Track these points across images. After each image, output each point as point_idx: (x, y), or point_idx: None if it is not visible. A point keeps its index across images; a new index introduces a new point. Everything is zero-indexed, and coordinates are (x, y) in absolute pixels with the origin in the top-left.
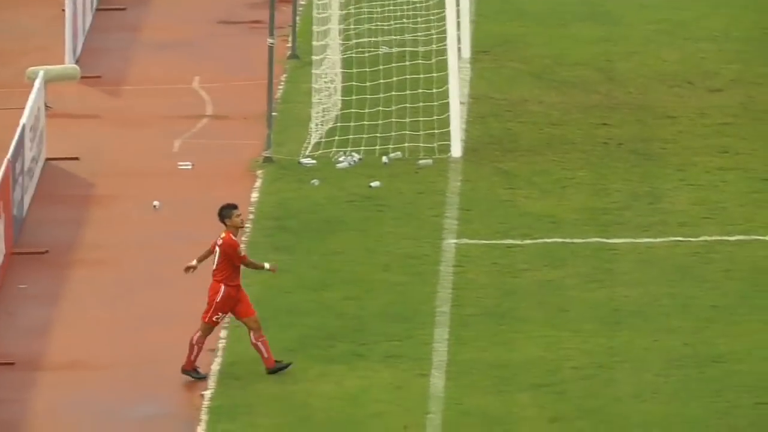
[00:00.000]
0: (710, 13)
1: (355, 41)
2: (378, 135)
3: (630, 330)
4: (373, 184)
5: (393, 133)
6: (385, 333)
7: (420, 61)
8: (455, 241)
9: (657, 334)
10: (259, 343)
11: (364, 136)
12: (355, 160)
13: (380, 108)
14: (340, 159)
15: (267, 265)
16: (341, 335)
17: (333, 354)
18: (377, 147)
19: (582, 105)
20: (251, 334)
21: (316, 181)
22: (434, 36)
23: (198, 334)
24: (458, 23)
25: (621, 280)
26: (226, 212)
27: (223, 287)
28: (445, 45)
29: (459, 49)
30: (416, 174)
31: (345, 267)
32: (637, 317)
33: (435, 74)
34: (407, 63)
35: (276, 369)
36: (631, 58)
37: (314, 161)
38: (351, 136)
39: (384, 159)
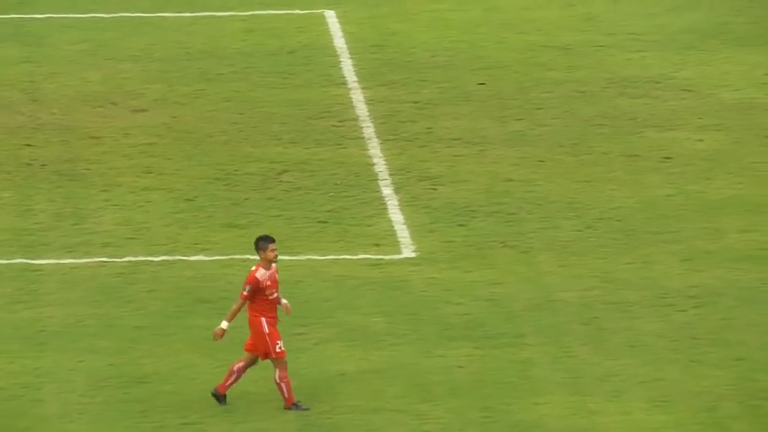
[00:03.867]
0: (132, 33)
1: None
2: None
3: (55, 351)
4: None
5: None
6: None
7: None
8: None
9: (82, 355)
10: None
11: None
12: None
13: None
14: None
15: (224, 324)
16: None
17: None
18: None
19: (6, 126)
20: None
21: None
22: None
23: (278, 373)
24: None
25: (46, 300)
26: (261, 245)
27: (263, 319)
28: None
29: None
30: None
31: None
32: (62, 338)
33: None
34: None
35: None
36: (54, 79)
37: None
38: None
39: None
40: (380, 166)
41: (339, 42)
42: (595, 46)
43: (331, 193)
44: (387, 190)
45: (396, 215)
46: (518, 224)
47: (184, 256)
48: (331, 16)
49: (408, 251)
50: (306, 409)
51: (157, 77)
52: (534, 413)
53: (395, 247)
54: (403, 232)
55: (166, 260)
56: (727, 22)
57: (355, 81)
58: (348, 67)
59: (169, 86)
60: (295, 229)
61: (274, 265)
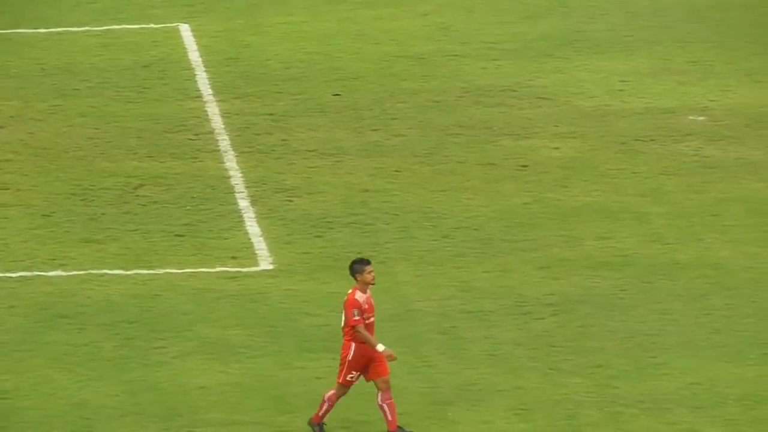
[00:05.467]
0: None
1: None
2: None
3: None
4: None
5: None
6: None
7: None
8: None
9: None
10: (385, 405)
11: None
12: None
13: None
14: None
15: (380, 348)
16: None
17: None
18: None
19: None
20: (379, 394)
21: None
22: None
23: (332, 392)
24: None
25: None
26: (357, 267)
27: (353, 345)
28: None
29: None
30: None
31: None
32: None
33: None
34: None
35: None
36: None
37: None
38: None
39: None
40: (236, 178)
41: (194, 55)
42: (450, 55)
43: (188, 207)
44: (243, 203)
45: (253, 227)
46: (375, 235)
47: (42, 271)
48: (185, 30)
49: (265, 263)
50: None
51: (13, 94)
52: None
53: (252, 259)
54: (260, 245)
55: (24, 276)
56: (581, 30)
57: (210, 94)
58: (203, 81)
59: (25, 102)
60: (152, 243)
61: (369, 288)
